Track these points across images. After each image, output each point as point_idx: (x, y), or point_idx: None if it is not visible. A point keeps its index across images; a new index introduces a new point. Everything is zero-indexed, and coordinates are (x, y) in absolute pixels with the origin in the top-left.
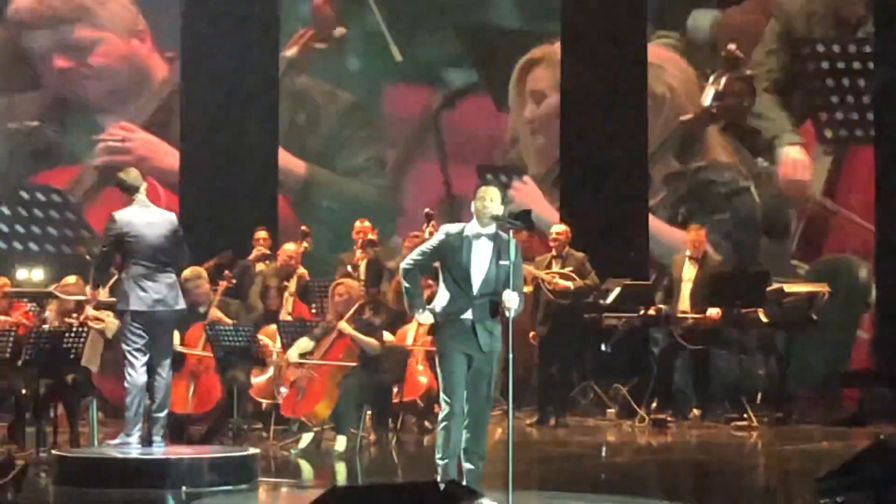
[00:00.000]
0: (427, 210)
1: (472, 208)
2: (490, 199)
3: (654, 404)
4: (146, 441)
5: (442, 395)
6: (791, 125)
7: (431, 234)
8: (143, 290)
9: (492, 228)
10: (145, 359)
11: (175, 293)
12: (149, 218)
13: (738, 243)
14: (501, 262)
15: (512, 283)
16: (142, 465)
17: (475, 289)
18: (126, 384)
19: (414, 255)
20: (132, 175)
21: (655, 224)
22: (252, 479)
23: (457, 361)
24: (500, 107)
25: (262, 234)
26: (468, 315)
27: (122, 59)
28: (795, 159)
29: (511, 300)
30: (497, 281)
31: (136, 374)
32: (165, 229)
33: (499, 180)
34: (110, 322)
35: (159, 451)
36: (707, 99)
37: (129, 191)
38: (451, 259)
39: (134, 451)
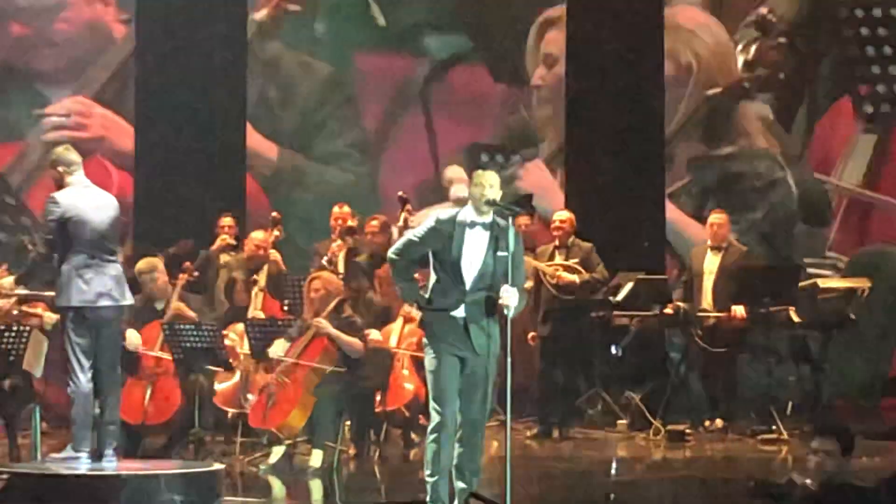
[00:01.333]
0: (400, 193)
1: (468, 194)
2: (489, 185)
3: (670, 415)
4: (96, 456)
5: (431, 404)
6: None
7: (406, 220)
8: (86, 282)
9: (489, 217)
10: (90, 362)
11: (122, 287)
12: (94, 200)
13: (769, 232)
14: (499, 254)
15: (511, 278)
16: (90, 483)
17: (468, 283)
18: (70, 392)
19: (400, 244)
20: (68, 151)
21: (674, 212)
22: (215, 498)
23: (448, 365)
24: (497, 77)
25: (227, 220)
26: (460, 312)
27: (85, 26)
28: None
29: (510, 297)
30: (494, 275)
31: (82, 380)
32: (111, 213)
33: (495, 161)
34: (46, 316)
35: (110, 466)
36: (739, 69)
37: (69, 167)
38: (441, 249)
39: (83, 466)
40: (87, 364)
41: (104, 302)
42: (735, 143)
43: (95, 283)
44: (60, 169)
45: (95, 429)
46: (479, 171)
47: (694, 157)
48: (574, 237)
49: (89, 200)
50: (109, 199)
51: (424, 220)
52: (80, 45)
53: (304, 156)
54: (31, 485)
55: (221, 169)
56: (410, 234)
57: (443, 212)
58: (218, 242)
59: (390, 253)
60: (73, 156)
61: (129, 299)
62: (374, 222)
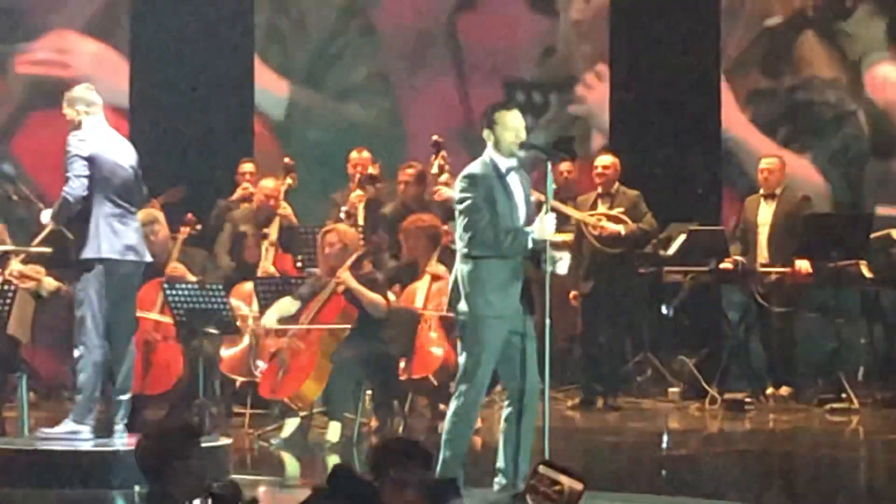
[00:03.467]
0: (435, 137)
1: (494, 139)
2: (523, 127)
3: (728, 382)
4: (106, 430)
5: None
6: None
7: (441, 167)
8: (115, 233)
9: (515, 161)
10: (106, 325)
11: (143, 242)
12: (119, 144)
13: (840, 172)
14: (532, 199)
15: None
16: (85, 459)
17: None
18: (81, 357)
19: (473, 226)
20: (88, 89)
21: (747, 130)
22: (223, 475)
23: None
24: (534, 7)
25: (248, 167)
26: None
27: None
28: (886, 78)
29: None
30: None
31: (97, 344)
32: (134, 161)
33: (531, 100)
34: (46, 281)
35: (121, 441)
36: None
37: (90, 107)
38: (491, 206)
39: (86, 442)
40: (103, 328)
41: (131, 256)
42: (798, 76)
43: (123, 236)
44: (80, 108)
45: (104, 400)
46: (506, 112)
47: (754, 89)
48: (619, 184)
49: (115, 143)
50: (131, 147)
51: (463, 182)
52: None
53: (319, 92)
54: (18, 461)
55: (227, 109)
56: (469, 208)
57: (474, 167)
58: (239, 192)
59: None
60: (95, 96)
61: (149, 256)
62: (410, 170)
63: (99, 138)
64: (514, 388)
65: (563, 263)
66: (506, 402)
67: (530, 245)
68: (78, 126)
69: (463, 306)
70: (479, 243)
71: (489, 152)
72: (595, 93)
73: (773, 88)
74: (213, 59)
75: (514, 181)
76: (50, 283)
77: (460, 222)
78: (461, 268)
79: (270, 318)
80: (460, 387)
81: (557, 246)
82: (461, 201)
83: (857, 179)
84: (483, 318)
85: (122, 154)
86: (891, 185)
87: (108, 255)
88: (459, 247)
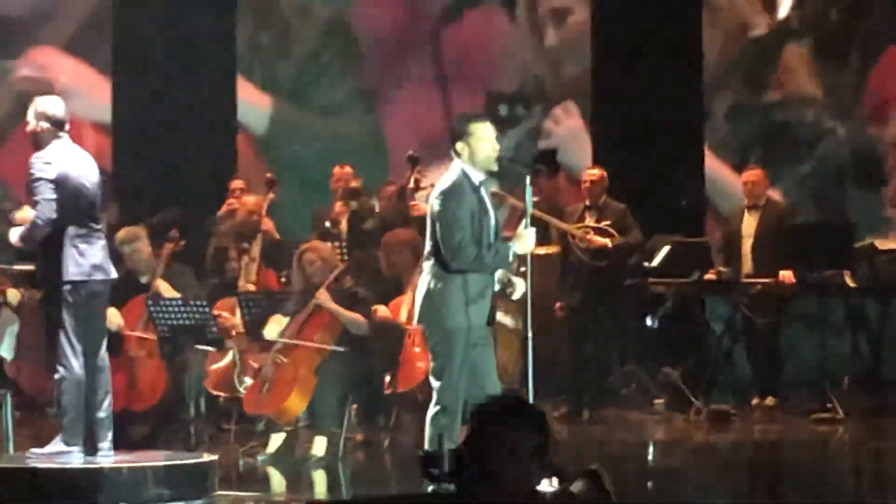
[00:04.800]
0: (410, 152)
1: (468, 151)
2: (496, 139)
3: (713, 393)
4: (90, 449)
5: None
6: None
7: (417, 182)
8: (80, 254)
9: (484, 173)
10: (82, 345)
11: (109, 260)
12: (84, 163)
13: (819, 189)
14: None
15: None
16: (71, 477)
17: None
18: (61, 379)
19: (459, 242)
20: (60, 104)
21: (715, 167)
22: (208, 492)
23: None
24: (516, 20)
25: (238, 183)
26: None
27: None
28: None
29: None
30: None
31: (76, 364)
32: (97, 178)
33: (514, 113)
34: (10, 292)
35: (107, 460)
36: (783, 8)
37: (58, 125)
38: (470, 221)
39: (75, 460)
40: (79, 347)
41: (98, 276)
42: (779, 91)
43: (89, 256)
44: (43, 125)
45: (87, 419)
46: (480, 124)
47: (734, 105)
48: (606, 197)
49: (80, 163)
50: (94, 163)
51: (443, 198)
52: None
53: (301, 107)
54: (4, 480)
55: (209, 125)
56: (459, 222)
57: (449, 181)
58: (225, 207)
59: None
60: (63, 112)
61: (114, 273)
62: (391, 186)
63: (63, 159)
64: (478, 398)
65: (518, 290)
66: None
67: (511, 259)
68: (38, 143)
69: (436, 320)
70: (461, 258)
71: (461, 165)
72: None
73: (752, 103)
74: (196, 75)
75: (486, 194)
76: (14, 293)
77: (440, 237)
78: (433, 282)
79: (272, 333)
80: (441, 402)
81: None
82: (440, 216)
83: (838, 194)
84: (455, 331)
85: (86, 173)
86: (872, 196)
87: (74, 277)
88: (431, 263)
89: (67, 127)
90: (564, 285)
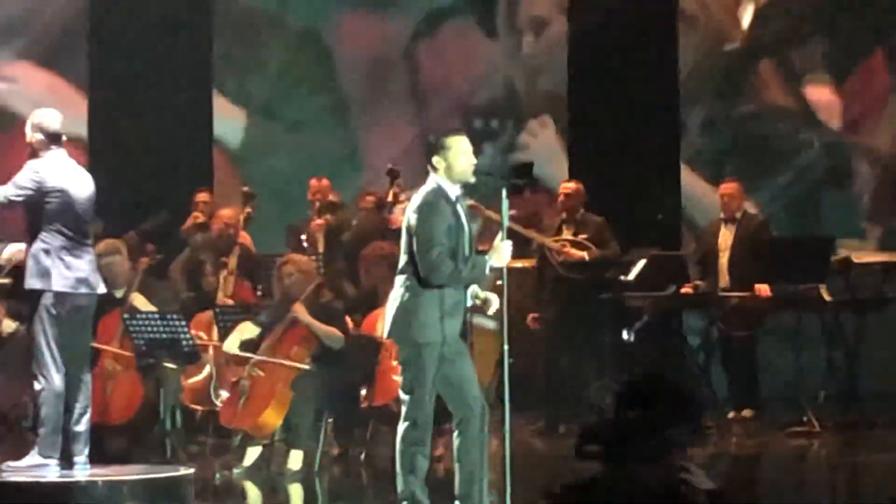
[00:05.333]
0: (390, 166)
1: (445, 165)
2: (472, 153)
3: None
4: (67, 462)
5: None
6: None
7: (396, 195)
8: (67, 266)
9: (459, 188)
10: (63, 357)
11: (97, 274)
12: (77, 176)
13: (795, 202)
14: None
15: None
16: (45, 491)
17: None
18: (40, 390)
19: (438, 250)
20: (55, 117)
21: (691, 180)
22: None
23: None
24: (491, 35)
25: (202, 196)
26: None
27: None
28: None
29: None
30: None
31: (56, 377)
32: (90, 193)
33: (489, 126)
34: (5, 323)
35: (83, 473)
36: (744, 21)
37: (51, 138)
38: (448, 235)
39: (51, 474)
40: (60, 360)
41: (84, 289)
42: (754, 103)
43: (75, 268)
44: (38, 137)
45: (64, 432)
46: (457, 138)
47: (709, 118)
48: (584, 210)
49: (70, 176)
50: (88, 177)
51: (420, 212)
52: (20, 1)
53: (276, 121)
54: None
55: (185, 139)
56: (437, 235)
57: (426, 195)
58: (191, 220)
59: (443, 265)
60: (59, 125)
61: (102, 287)
62: (369, 197)
63: (55, 171)
64: (461, 413)
65: (493, 305)
66: (455, 430)
67: (487, 272)
68: (33, 154)
69: (409, 335)
70: (438, 274)
71: (437, 179)
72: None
73: (726, 116)
74: (171, 89)
75: (461, 208)
76: (9, 324)
77: (416, 252)
78: (407, 296)
79: (232, 345)
80: (411, 417)
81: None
82: (417, 231)
83: (814, 207)
84: (429, 346)
85: (77, 186)
86: (849, 209)
87: (59, 288)
88: (405, 277)
89: (63, 139)
90: (541, 299)
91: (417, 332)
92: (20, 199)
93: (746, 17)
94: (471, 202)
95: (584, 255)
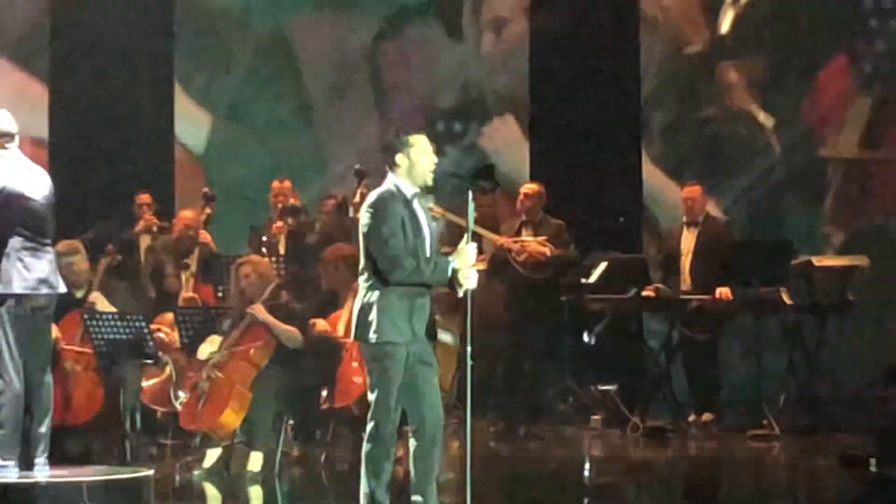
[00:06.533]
0: (358, 166)
1: (408, 163)
2: (434, 153)
3: (649, 410)
4: (25, 463)
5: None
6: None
7: (363, 195)
8: (26, 267)
9: (417, 187)
10: (23, 359)
11: (57, 274)
12: (31, 176)
13: (756, 205)
14: (433, 225)
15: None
16: (4, 492)
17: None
18: (1, 392)
19: (394, 251)
20: (6, 118)
21: (653, 182)
22: None
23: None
24: (452, 36)
25: (144, 197)
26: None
27: None
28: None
29: (468, 277)
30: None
31: (15, 378)
32: (47, 192)
33: (452, 128)
34: None
35: (42, 474)
36: (725, 24)
37: (3, 138)
38: (404, 234)
39: (10, 475)
40: (20, 361)
41: (43, 290)
42: (715, 107)
43: (35, 269)
44: None
45: (24, 434)
46: (419, 136)
47: (669, 122)
48: (543, 213)
49: (27, 176)
50: (44, 177)
51: (371, 210)
52: None
53: (239, 124)
54: None
55: (147, 140)
56: (393, 237)
57: (382, 194)
58: (141, 223)
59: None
60: (11, 125)
61: (63, 287)
62: (331, 201)
63: (8, 171)
64: (419, 418)
65: (472, 279)
66: (411, 435)
67: (450, 273)
68: None
69: (373, 336)
70: (400, 270)
71: (395, 179)
72: (513, 124)
73: (687, 119)
74: (134, 89)
75: (419, 208)
76: None
77: (374, 251)
78: (369, 296)
79: (204, 353)
80: (375, 417)
81: None
82: (370, 228)
83: (775, 211)
84: (393, 346)
85: (33, 187)
86: (809, 213)
87: (19, 290)
88: (365, 278)
89: (16, 140)
90: (500, 300)
91: (384, 332)
92: None
93: (725, 21)
94: (430, 204)
95: (546, 250)
